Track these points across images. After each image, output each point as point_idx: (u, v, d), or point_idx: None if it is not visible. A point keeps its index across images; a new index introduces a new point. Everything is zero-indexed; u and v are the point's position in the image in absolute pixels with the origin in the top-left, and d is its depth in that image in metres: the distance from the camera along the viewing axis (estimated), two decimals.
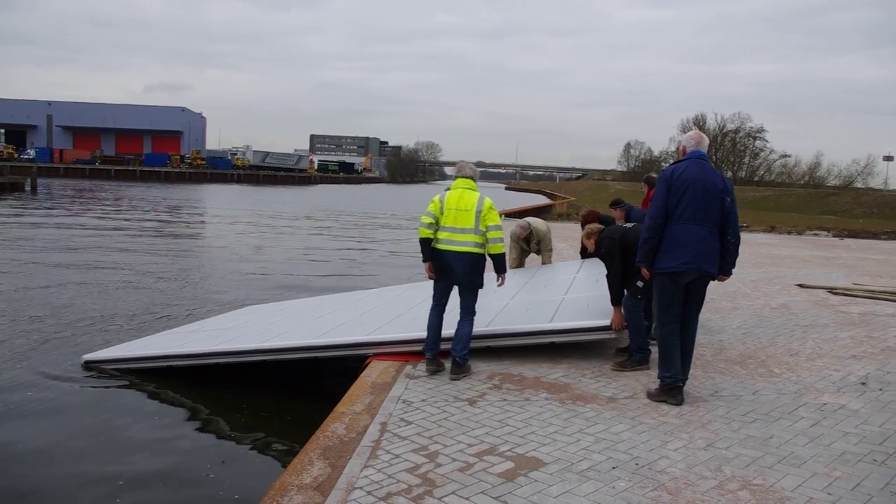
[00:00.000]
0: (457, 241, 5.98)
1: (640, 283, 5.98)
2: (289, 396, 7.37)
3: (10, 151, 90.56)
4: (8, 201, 38.46)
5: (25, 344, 9.04)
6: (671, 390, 5.36)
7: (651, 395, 5.46)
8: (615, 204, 8.69)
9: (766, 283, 11.74)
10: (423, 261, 6.15)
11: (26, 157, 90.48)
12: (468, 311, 6.11)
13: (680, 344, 5.41)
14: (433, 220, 6.04)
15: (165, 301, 12.41)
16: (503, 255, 6.16)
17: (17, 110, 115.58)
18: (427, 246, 6.08)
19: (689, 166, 5.36)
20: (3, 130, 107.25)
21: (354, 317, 8.10)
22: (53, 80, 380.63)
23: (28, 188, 48.78)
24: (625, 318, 6.25)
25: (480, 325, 6.45)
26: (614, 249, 6.25)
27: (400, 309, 8.16)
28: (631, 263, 5.95)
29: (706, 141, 5.63)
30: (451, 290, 6.20)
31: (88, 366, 8.05)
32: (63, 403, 7.05)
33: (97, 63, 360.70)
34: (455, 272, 6.02)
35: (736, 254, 5.45)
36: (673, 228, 5.28)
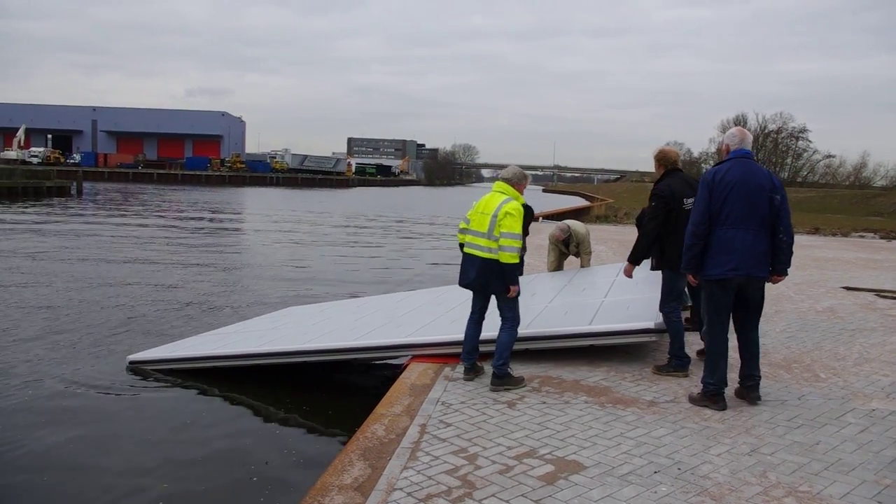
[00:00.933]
0: (474, 244, 5.82)
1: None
2: (329, 396, 7.44)
3: (57, 156, 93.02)
4: (54, 204, 39.45)
5: (71, 345, 9.27)
6: (714, 396, 5.26)
7: (693, 400, 5.38)
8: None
9: (811, 286, 11.50)
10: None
11: (72, 161, 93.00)
12: (505, 319, 5.83)
13: (742, 350, 5.32)
14: (466, 224, 5.98)
15: (208, 301, 12.64)
16: (513, 265, 5.63)
17: (63, 116, 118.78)
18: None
19: (732, 167, 5.20)
20: (50, 136, 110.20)
21: (394, 318, 8.15)
22: (98, 86, 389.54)
23: (74, 192, 49.97)
24: (664, 322, 6.17)
25: (519, 328, 6.42)
26: (660, 209, 6.09)
27: (439, 311, 8.18)
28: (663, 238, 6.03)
29: (750, 138, 5.41)
30: (483, 297, 6.00)
31: (133, 366, 8.21)
32: (108, 406, 7.19)
33: (140, 69, 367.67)
34: (469, 276, 5.85)
35: (790, 252, 5.28)
36: (717, 233, 5.13)
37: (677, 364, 6.17)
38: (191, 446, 6.22)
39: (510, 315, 5.82)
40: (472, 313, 6.05)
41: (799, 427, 4.90)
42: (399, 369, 6.59)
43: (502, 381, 5.70)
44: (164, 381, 7.82)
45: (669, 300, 6.18)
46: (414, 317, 8.05)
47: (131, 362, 8.30)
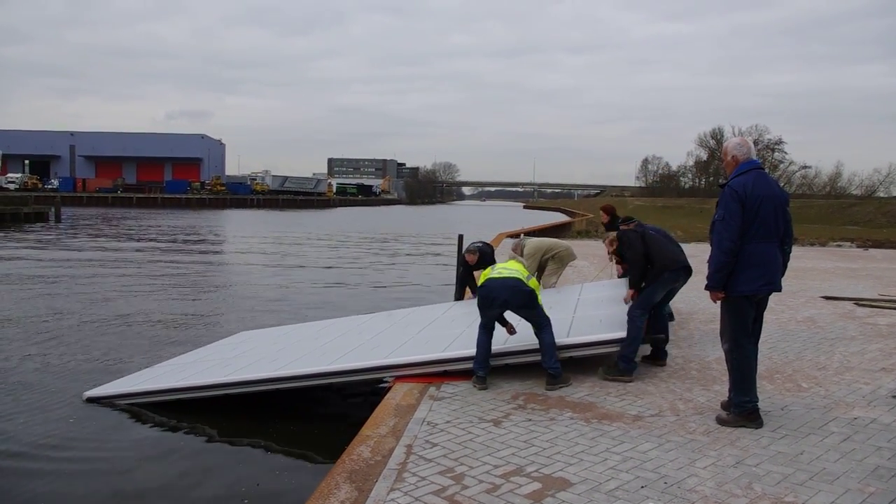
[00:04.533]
0: None
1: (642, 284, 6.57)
2: (308, 421, 7.33)
3: (35, 182, 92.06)
4: (31, 231, 39.01)
5: (23, 386, 8.58)
6: (751, 414, 5.14)
7: (724, 422, 5.18)
8: (626, 221, 8.73)
9: (791, 296, 11.61)
10: None
11: (50, 186, 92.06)
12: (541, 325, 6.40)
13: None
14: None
15: (170, 330, 12.34)
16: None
17: (40, 141, 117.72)
18: None
19: (756, 179, 5.05)
20: (27, 161, 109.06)
21: (365, 340, 8.09)
22: (76, 111, 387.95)
23: (52, 218, 49.38)
24: (628, 321, 6.51)
25: (497, 344, 6.54)
26: (636, 241, 6.71)
27: (410, 332, 8.17)
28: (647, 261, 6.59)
29: (753, 146, 5.37)
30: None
31: (90, 402, 7.81)
32: (73, 442, 6.77)
33: (119, 93, 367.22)
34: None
35: (786, 264, 5.29)
36: (747, 248, 4.99)
37: (625, 367, 6.40)
38: (171, 477, 6.08)
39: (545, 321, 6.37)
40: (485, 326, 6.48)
41: (783, 437, 4.93)
42: (381, 390, 6.56)
43: (558, 380, 6.20)
44: (128, 414, 7.46)
45: (642, 308, 6.54)
46: (386, 338, 8.02)
47: (88, 399, 7.90)
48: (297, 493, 5.53)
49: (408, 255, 30.12)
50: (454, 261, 14.77)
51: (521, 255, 10.82)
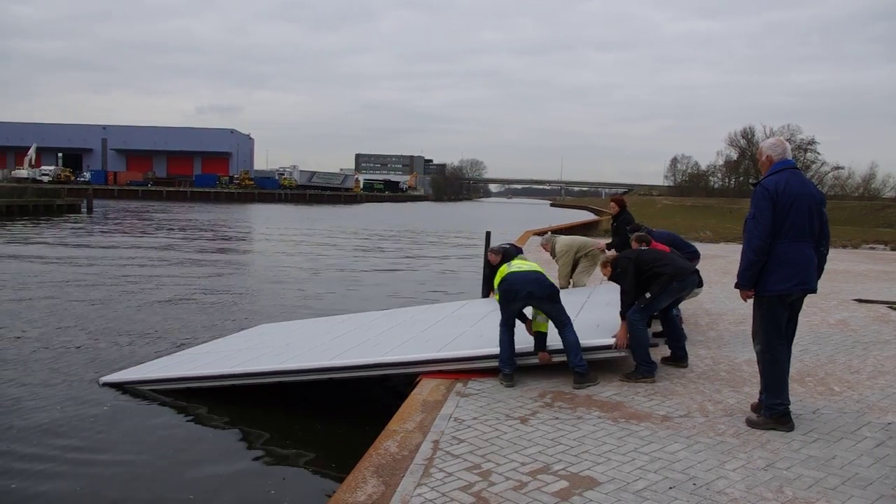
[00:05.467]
0: None
1: (647, 295, 6.39)
2: (330, 415, 7.40)
3: (68, 174, 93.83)
4: (64, 222, 39.68)
5: (49, 367, 9.00)
6: (783, 417, 5.09)
7: (755, 425, 5.13)
8: (635, 228, 8.92)
9: (822, 299, 11.42)
10: None
11: (82, 179, 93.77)
12: (564, 324, 6.37)
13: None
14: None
15: (196, 318, 12.62)
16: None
17: (73, 134, 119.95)
18: None
19: (789, 178, 5.00)
20: (60, 154, 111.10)
21: (369, 338, 8.19)
22: (108, 105, 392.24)
23: (84, 209, 50.34)
24: (627, 330, 6.45)
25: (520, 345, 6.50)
26: (629, 268, 6.56)
27: (415, 329, 8.27)
28: (642, 282, 6.47)
29: (789, 147, 5.32)
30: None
31: (107, 387, 8.05)
32: (102, 429, 6.92)
33: (150, 87, 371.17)
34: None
35: (823, 266, 5.21)
36: (778, 247, 4.94)
37: (645, 370, 6.38)
38: (197, 465, 6.21)
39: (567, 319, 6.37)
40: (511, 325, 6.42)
41: (814, 441, 4.86)
42: (408, 386, 6.58)
43: (586, 378, 6.18)
44: (157, 402, 7.63)
45: (641, 314, 6.46)
46: (388, 337, 8.09)
47: (104, 384, 8.13)
48: (321, 486, 5.59)
49: (434, 253, 30.14)
50: (481, 258, 14.77)
51: (552, 252, 10.78)
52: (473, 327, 7.80)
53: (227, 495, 5.64)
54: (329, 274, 20.59)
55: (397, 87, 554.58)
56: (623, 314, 6.56)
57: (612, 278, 6.85)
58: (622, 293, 6.63)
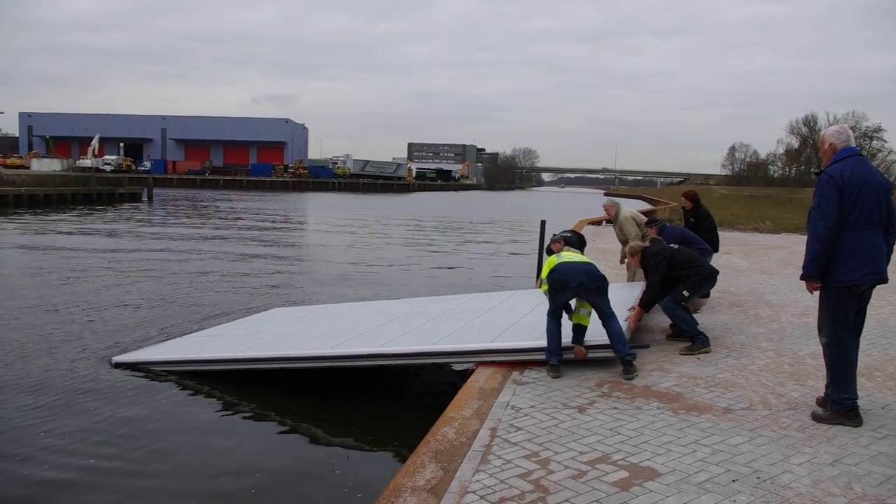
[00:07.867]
0: None
1: (685, 293, 6.92)
2: (383, 401, 7.51)
3: (129, 164, 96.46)
4: (125, 210, 40.86)
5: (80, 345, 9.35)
6: (851, 412, 4.95)
7: (821, 419, 5.01)
8: (650, 223, 9.39)
9: (891, 291, 11.04)
10: None
11: (143, 168, 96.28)
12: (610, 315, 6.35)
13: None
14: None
15: (242, 298, 12.85)
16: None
17: (134, 125, 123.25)
18: None
19: (855, 166, 4.84)
20: (122, 144, 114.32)
21: (370, 328, 8.22)
22: (168, 95, 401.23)
23: (145, 198, 51.81)
24: (667, 315, 7.06)
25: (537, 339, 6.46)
26: (662, 265, 6.99)
27: (418, 321, 8.31)
28: (672, 279, 6.96)
29: (853, 135, 5.14)
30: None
31: (119, 366, 8.20)
32: (132, 410, 7.06)
33: (208, 78, 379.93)
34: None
35: (890, 257, 5.03)
36: (846, 236, 4.78)
37: (702, 341, 6.84)
38: (258, 443, 6.38)
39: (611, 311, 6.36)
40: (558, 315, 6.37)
41: (884, 437, 4.71)
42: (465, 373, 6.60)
43: (635, 367, 6.19)
44: (207, 384, 7.75)
45: (675, 300, 6.98)
46: (388, 328, 8.11)
47: (115, 364, 8.25)
48: (379, 471, 5.65)
49: (487, 239, 30.09)
50: (533, 246, 14.69)
51: (615, 217, 10.32)
52: (525, 318, 7.75)
53: (298, 471, 5.81)
54: (384, 255, 20.76)
55: (450, 75, 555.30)
56: (643, 303, 7.07)
57: (643, 265, 7.37)
58: (649, 285, 7.09)
